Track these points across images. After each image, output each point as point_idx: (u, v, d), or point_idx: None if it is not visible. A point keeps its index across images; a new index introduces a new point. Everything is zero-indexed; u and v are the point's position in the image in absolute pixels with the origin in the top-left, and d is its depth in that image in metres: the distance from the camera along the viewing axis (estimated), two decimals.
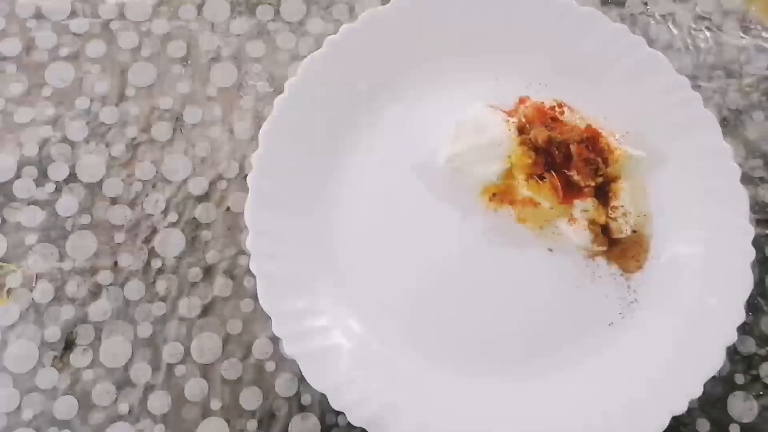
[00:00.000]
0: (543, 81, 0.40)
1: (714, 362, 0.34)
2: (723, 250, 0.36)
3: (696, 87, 0.40)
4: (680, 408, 0.33)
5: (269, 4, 0.43)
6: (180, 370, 0.36)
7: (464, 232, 0.37)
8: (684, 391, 0.33)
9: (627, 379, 0.35)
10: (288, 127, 0.37)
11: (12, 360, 0.36)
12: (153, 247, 0.38)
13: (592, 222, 0.37)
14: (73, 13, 0.42)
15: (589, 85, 0.39)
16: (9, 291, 0.37)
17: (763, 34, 0.43)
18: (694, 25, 0.44)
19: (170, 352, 0.36)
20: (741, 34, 0.44)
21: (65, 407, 0.35)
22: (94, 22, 0.42)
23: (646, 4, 0.44)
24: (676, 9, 0.44)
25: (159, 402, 0.35)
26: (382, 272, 0.37)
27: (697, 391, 0.33)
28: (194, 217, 0.39)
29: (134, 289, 0.37)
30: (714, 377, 0.33)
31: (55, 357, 0.36)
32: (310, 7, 0.43)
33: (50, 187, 0.39)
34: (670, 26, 0.43)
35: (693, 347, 0.34)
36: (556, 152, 0.37)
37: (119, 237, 0.38)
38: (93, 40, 0.42)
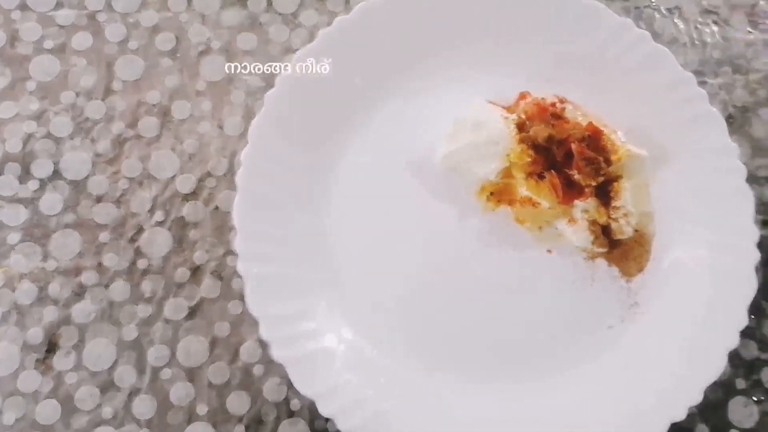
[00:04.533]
0: (544, 75, 0.39)
1: (715, 368, 0.33)
2: (727, 252, 0.35)
3: (702, 83, 0.39)
4: (680, 414, 0.32)
5: None
6: (165, 373, 0.35)
7: (461, 232, 0.37)
8: (684, 398, 0.32)
9: (626, 384, 0.34)
10: (279, 123, 0.36)
11: None
12: (139, 247, 0.37)
13: (592, 222, 0.36)
14: (59, 5, 0.41)
15: (591, 80, 0.38)
16: None
17: None
18: (700, 20, 0.43)
19: (156, 355, 0.35)
20: (749, 29, 0.43)
21: (48, 411, 0.34)
22: (80, 13, 0.41)
23: None
24: (682, 2, 0.43)
25: (144, 406, 0.35)
26: (376, 273, 0.36)
27: (697, 398, 0.32)
28: (182, 216, 0.38)
29: (119, 290, 0.36)
30: (714, 382, 0.32)
31: (37, 360, 0.35)
32: None
33: (34, 184, 0.38)
34: (676, 20, 0.42)
35: (694, 352, 0.33)
36: (557, 150, 0.36)
37: (104, 236, 0.37)
38: (79, 32, 0.40)
